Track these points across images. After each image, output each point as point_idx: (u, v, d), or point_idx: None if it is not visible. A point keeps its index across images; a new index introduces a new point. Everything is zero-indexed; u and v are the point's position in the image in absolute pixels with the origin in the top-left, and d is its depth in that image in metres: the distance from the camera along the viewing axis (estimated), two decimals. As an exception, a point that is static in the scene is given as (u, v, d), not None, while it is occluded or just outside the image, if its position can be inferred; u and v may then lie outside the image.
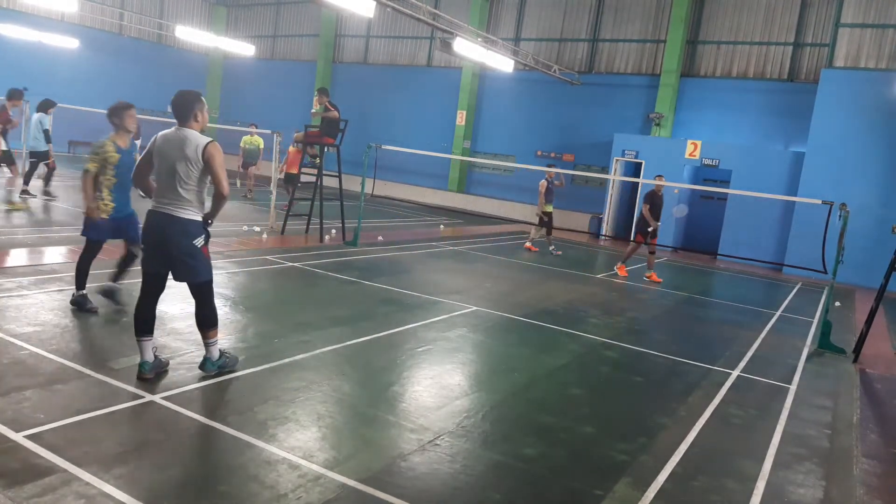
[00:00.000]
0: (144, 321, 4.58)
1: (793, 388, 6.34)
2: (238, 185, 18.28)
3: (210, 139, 4.37)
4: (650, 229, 11.34)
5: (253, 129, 17.21)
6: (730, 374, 6.54)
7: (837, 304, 10.76)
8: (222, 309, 6.66)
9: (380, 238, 12.71)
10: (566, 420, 4.89)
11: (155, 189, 4.50)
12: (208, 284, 4.62)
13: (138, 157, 5.03)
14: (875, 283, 8.73)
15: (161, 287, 4.62)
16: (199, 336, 5.66)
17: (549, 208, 13.56)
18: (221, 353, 4.86)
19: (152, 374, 4.61)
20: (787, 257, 14.84)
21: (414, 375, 5.63)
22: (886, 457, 4.96)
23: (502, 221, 19.97)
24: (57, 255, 8.17)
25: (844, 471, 4.56)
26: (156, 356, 4.69)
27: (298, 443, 3.97)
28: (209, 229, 4.61)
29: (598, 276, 11.97)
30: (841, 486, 4.30)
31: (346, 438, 4.14)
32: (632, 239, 12.11)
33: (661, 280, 11.80)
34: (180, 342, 5.48)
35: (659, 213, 11.58)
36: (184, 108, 4.38)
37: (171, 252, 4.42)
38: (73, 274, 6.13)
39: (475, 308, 8.03)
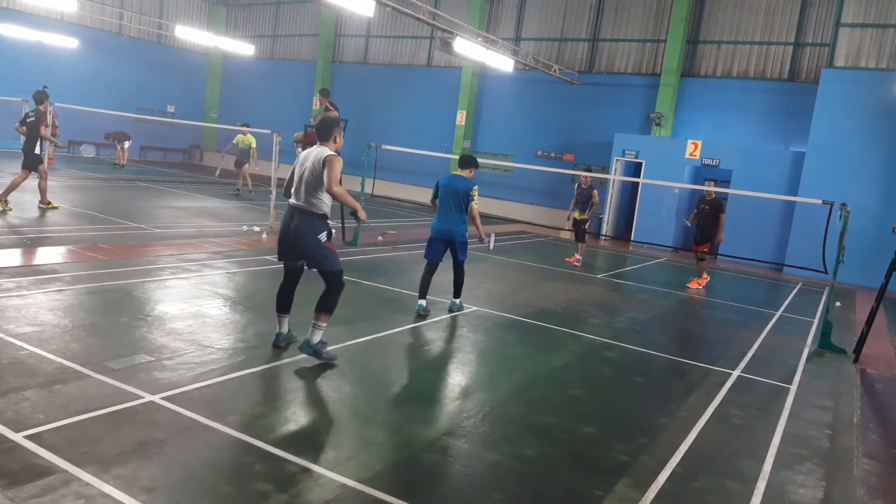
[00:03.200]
0: (283, 301, 5.48)
1: (793, 388, 6.33)
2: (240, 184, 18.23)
3: (333, 152, 5.17)
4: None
5: (245, 129, 17.23)
6: (730, 374, 6.54)
7: (838, 304, 10.75)
8: (221, 309, 6.67)
9: (380, 238, 12.70)
10: (566, 420, 4.88)
11: (294, 188, 5.30)
12: (338, 274, 5.24)
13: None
14: (875, 283, 8.72)
15: (297, 276, 5.45)
16: (198, 336, 5.71)
17: (578, 214, 12.65)
18: (323, 342, 5.33)
19: (284, 344, 5.53)
20: (787, 257, 14.83)
21: (414, 375, 5.62)
22: (887, 457, 4.95)
23: (502, 221, 19.96)
24: (57, 255, 8.16)
25: (845, 471, 4.56)
26: (289, 330, 5.57)
27: (298, 443, 3.97)
28: (332, 228, 5.36)
29: (599, 276, 11.96)
30: (841, 487, 4.29)
31: (346, 438, 4.13)
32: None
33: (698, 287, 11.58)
34: (180, 342, 5.47)
35: (701, 222, 11.34)
36: (326, 132, 5.29)
37: (300, 244, 5.16)
38: (69, 273, 6.11)
39: (475, 308, 8.03)
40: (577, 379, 6.00)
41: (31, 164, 11.28)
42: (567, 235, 14.68)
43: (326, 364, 5.30)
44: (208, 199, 16.26)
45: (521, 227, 18.29)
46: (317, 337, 5.26)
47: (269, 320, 6.57)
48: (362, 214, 5.49)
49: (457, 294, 7.74)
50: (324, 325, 5.27)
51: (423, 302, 7.34)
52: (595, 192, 12.51)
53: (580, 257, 12.86)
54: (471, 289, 9.19)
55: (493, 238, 8.12)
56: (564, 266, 12.49)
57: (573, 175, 19.86)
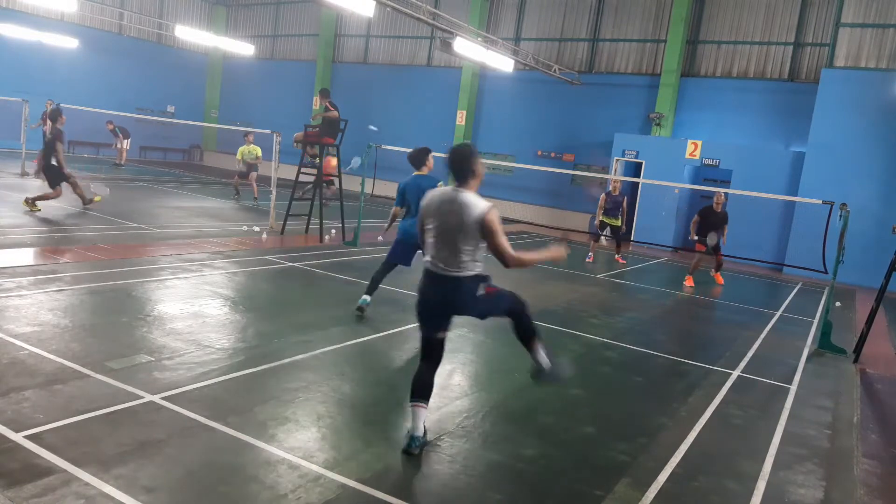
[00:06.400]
0: (421, 386, 4.12)
1: (793, 388, 6.33)
2: (236, 192, 17.89)
3: (489, 206, 3.98)
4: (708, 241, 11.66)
5: (249, 138, 16.91)
6: (730, 374, 6.54)
7: (838, 304, 10.75)
8: (221, 309, 6.67)
9: (380, 238, 12.68)
10: (566, 420, 4.88)
11: (430, 247, 4.12)
12: (520, 306, 4.35)
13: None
14: (875, 283, 8.73)
15: (441, 351, 4.24)
16: (198, 336, 5.71)
17: (609, 220, 13.20)
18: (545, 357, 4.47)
19: (417, 451, 4.00)
20: (787, 257, 14.82)
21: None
22: (887, 457, 4.95)
23: (502, 221, 19.92)
24: (56, 256, 8.16)
25: (845, 471, 4.56)
26: (425, 432, 4.11)
27: (298, 443, 3.97)
28: (488, 275, 4.22)
29: (599, 276, 11.96)
30: (841, 487, 4.29)
31: (346, 438, 4.13)
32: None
33: (721, 282, 12.29)
34: (180, 342, 5.47)
35: (709, 231, 11.56)
36: (462, 167, 4.06)
37: (456, 309, 4.15)
38: (69, 273, 6.10)
39: (475, 308, 8.02)
40: (577, 379, 5.98)
41: (58, 179, 11.32)
42: (580, 238, 15.12)
43: (326, 364, 5.29)
44: (208, 200, 16.26)
45: (522, 227, 18.28)
46: (544, 357, 4.44)
47: (270, 320, 6.60)
48: (558, 253, 4.36)
49: None
50: (540, 346, 4.44)
51: (367, 297, 7.00)
52: (626, 198, 13.28)
53: (622, 254, 13.90)
54: (471, 289, 9.18)
55: None
56: (564, 266, 12.49)
57: (573, 175, 19.89)
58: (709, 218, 11.62)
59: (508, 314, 4.36)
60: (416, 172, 6.95)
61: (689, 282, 11.78)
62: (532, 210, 20.73)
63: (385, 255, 7.24)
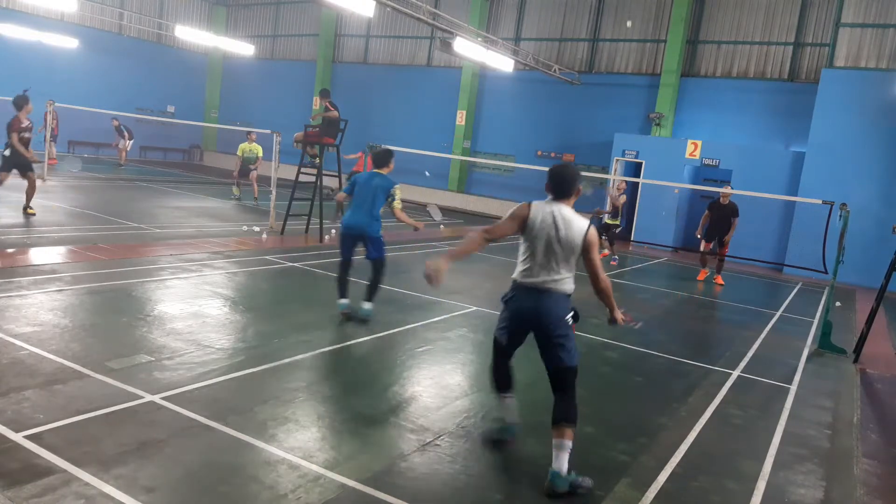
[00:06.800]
0: (503, 378, 4.27)
1: (793, 388, 6.33)
2: (234, 189, 17.84)
3: (589, 225, 4.05)
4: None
5: (252, 137, 16.85)
6: (730, 374, 6.54)
7: (838, 304, 10.74)
8: (221, 309, 6.66)
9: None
10: (566, 420, 4.87)
11: (525, 260, 4.15)
12: (574, 372, 4.01)
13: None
14: (875, 283, 8.73)
15: (508, 359, 4.27)
16: (198, 336, 5.68)
17: (610, 220, 13.52)
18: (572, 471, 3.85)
19: (510, 439, 4.25)
20: (787, 257, 14.83)
21: (414, 375, 5.62)
22: (887, 457, 4.95)
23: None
24: (57, 255, 8.16)
25: (845, 471, 4.56)
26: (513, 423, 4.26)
27: (298, 443, 3.97)
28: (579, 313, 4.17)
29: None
30: (841, 487, 4.29)
31: (346, 438, 4.14)
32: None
33: (722, 283, 12.48)
34: (180, 342, 5.47)
35: (716, 226, 12.08)
36: (566, 186, 4.15)
37: (544, 326, 3.99)
38: (69, 273, 6.11)
39: (475, 308, 8.03)
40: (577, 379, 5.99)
41: (8, 166, 10.98)
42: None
43: (327, 364, 5.29)
44: (208, 199, 16.26)
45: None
46: (566, 462, 3.79)
47: (270, 320, 6.60)
48: (619, 314, 4.35)
49: (368, 296, 6.95)
50: (570, 442, 3.82)
51: (343, 301, 6.89)
52: (623, 197, 13.54)
53: (616, 256, 14.02)
54: (471, 289, 9.19)
55: (436, 212, 7.74)
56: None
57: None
58: (715, 212, 12.09)
59: (565, 377, 3.99)
60: (375, 170, 6.96)
61: (701, 276, 12.47)
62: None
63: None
